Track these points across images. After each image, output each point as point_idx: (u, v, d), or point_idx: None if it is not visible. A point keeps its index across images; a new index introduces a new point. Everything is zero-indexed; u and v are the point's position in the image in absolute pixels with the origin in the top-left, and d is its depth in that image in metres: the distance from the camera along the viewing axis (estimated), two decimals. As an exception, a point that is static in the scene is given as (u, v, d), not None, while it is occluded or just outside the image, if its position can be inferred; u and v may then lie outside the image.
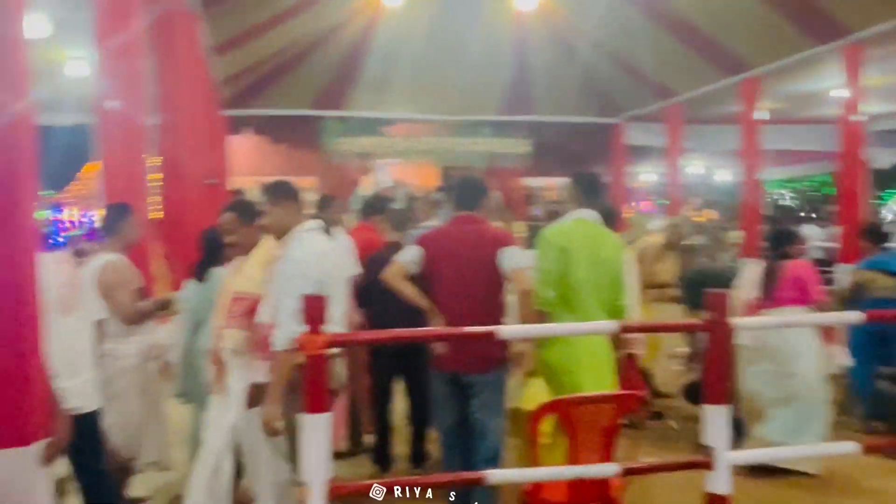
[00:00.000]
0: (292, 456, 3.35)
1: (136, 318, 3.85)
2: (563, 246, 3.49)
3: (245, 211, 3.63)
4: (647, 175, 20.88)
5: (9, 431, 2.26)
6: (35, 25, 6.55)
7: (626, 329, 3.30)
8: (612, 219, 4.09)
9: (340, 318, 3.33)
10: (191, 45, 7.57)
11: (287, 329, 3.07)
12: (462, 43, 13.72)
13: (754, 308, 4.83)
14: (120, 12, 4.87)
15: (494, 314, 3.46)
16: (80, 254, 5.34)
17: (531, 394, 3.57)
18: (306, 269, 3.14)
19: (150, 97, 5.88)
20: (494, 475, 2.68)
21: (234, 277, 3.54)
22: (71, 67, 10.00)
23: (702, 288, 2.63)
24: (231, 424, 3.42)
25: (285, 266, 3.18)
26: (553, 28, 13.61)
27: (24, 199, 2.38)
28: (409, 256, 3.67)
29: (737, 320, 2.63)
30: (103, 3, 4.83)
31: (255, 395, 3.34)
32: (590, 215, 3.65)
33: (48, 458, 2.48)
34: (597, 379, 3.45)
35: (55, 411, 2.54)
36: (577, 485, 2.85)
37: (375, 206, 5.55)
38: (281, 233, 3.31)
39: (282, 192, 3.35)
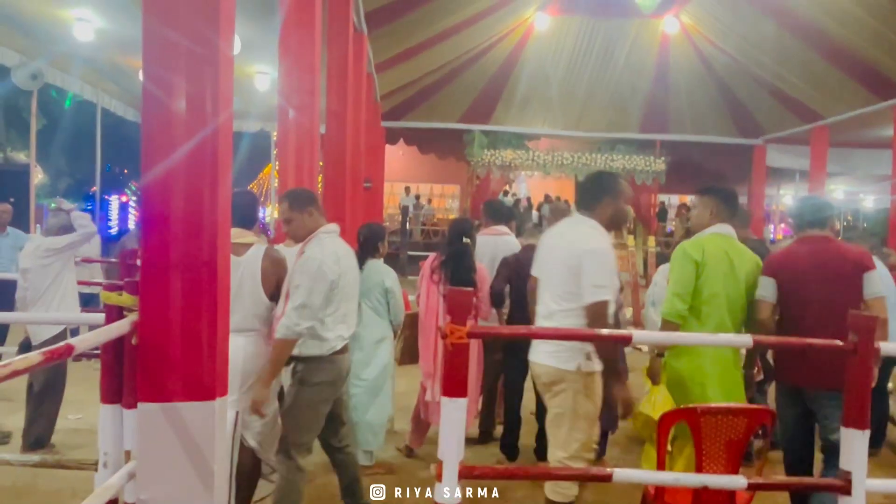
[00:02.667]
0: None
1: None
2: (699, 260, 3.34)
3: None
4: (787, 198, 19.51)
5: (198, 387, 2.49)
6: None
7: (761, 344, 3.10)
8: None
9: (352, 315, 3.37)
10: (358, 62, 7.95)
11: (290, 320, 3.04)
12: (606, 63, 13.52)
13: None
14: (301, 33, 5.21)
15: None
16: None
17: (654, 401, 3.45)
18: (323, 268, 3.11)
19: (322, 108, 6.23)
20: (620, 474, 2.62)
21: None
22: (257, 81, 10.79)
23: None
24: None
25: (304, 264, 3.15)
26: (696, 50, 13.09)
27: (222, 194, 2.61)
28: (769, 291, 3.35)
29: (882, 344, 2.42)
30: (287, 23, 5.18)
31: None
32: (727, 230, 3.48)
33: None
34: (725, 393, 3.29)
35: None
36: (701, 494, 2.73)
37: (508, 213, 5.62)
38: (302, 236, 3.29)
39: (301, 200, 3.32)
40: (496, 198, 16.41)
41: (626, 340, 2.32)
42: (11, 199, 10.22)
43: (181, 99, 2.51)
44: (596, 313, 2.87)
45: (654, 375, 3.47)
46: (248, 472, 3.36)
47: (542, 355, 3.02)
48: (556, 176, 16.76)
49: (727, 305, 3.33)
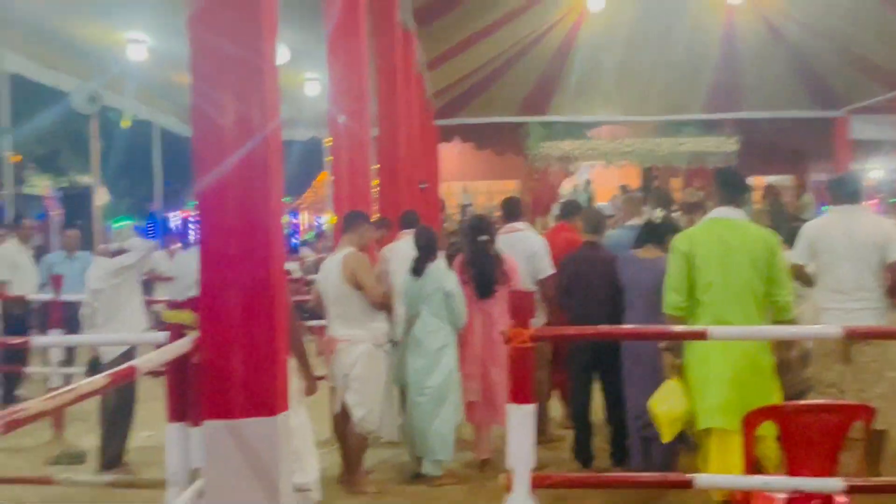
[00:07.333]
0: None
1: (384, 302, 4.19)
2: (686, 250, 3.37)
3: None
4: (875, 172, 18.56)
5: (260, 403, 2.54)
6: (279, 53, 7.27)
7: (851, 334, 2.97)
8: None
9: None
10: (407, 62, 8.01)
11: None
12: (666, 42, 13.15)
13: None
14: (349, 37, 5.28)
15: None
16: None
17: (661, 395, 3.40)
18: None
19: (373, 111, 6.30)
20: (702, 480, 2.54)
21: None
22: (307, 88, 11.00)
23: None
24: None
25: None
26: (765, 19, 12.60)
27: (274, 205, 2.66)
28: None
29: None
30: (334, 29, 5.26)
31: None
32: (728, 213, 3.43)
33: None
34: (739, 388, 3.19)
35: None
36: (795, 499, 2.62)
37: (573, 208, 5.59)
38: None
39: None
40: (513, 196, 16.25)
41: (701, 336, 2.25)
42: (78, 222, 10.73)
43: (229, 112, 2.57)
44: None
45: (666, 370, 3.53)
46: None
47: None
48: (620, 164, 16.40)
49: (728, 293, 3.29)
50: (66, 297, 5.50)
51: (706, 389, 3.26)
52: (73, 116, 12.08)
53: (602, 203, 15.48)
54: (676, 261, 3.42)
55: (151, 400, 4.68)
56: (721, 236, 3.37)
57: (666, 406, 3.37)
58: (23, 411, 1.72)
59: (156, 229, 13.85)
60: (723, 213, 3.46)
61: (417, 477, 4.36)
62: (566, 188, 17.67)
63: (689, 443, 3.96)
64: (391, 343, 4.35)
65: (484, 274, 4.41)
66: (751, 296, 3.32)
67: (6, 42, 8.64)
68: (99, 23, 8.70)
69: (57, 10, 8.12)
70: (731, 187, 3.54)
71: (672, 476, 2.69)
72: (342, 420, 4.23)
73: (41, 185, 14.52)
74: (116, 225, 6.85)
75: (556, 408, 5.27)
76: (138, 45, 9.05)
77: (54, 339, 4.95)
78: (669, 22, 12.71)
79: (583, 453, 4.47)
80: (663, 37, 13.06)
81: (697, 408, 3.30)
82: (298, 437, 3.23)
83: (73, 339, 5.07)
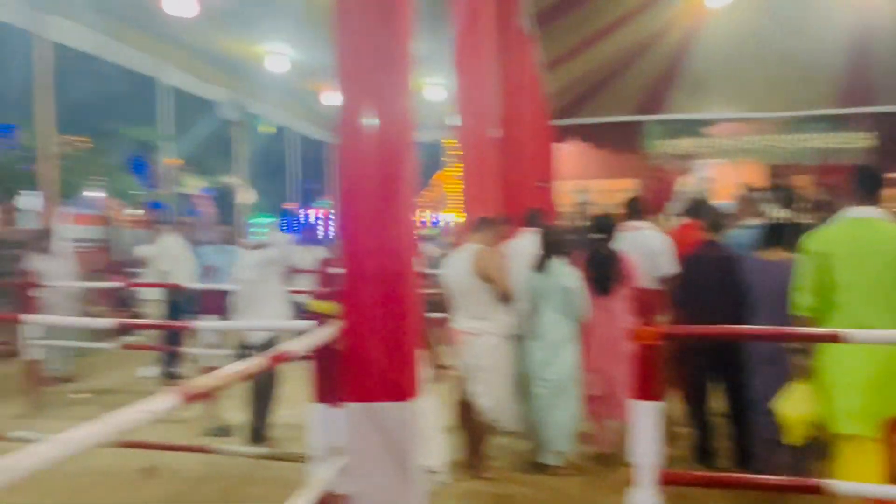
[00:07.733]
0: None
1: (511, 297, 4.26)
2: (817, 249, 3.18)
3: None
4: None
5: (396, 389, 2.65)
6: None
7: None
8: None
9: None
10: (527, 64, 8.00)
11: None
12: (791, 34, 12.36)
13: None
14: (476, 43, 5.35)
15: None
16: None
17: (793, 399, 3.18)
18: None
19: (495, 113, 6.36)
20: (835, 486, 2.41)
21: None
22: (427, 92, 11.25)
23: None
24: None
25: None
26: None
27: (407, 204, 2.77)
28: None
29: None
30: (461, 36, 5.34)
31: None
32: (865, 213, 3.19)
33: None
34: (873, 390, 2.96)
35: None
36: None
37: (701, 206, 5.45)
38: None
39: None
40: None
41: (832, 338, 2.13)
42: (223, 218, 11.51)
43: (369, 117, 2.70)
44: None
45: (794, 372, 3.32)
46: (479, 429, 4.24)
47: None
48: (741, 162, 15.57)
49: (864, 295, 3.08)
50: (219, 286, 5.94)
51: (840, 393, 3.07)
52: (219, 122, 12.96)
53: (724, 202, 14.74)
54: (808, 261, 3.24)
55: (289, 381, 4.96)
56: (858, 236, 3.17)
57: (794, 409, 3.22)
58: (197, 386, 1.89)
59: (296, 226, 14.59)
60: (860, 212, 3.24)
61: (536, 466, 4.39)
62: (681, 186, 16.98)
63: (816, 447, 3.74)
64: (514, 336, 4.40)
65: (600, 271, 4.44)
66: (888, 298, 3.10)
67: (170, 58, 9.42)
68: (243, 37, 9.30)
69: (207, 27, 8.75)
70: (869, 185, 3.30)
71: (802, 481, 2.56)
72: (466, 408, 4.32)
73: (192, 185, 15.67)
74: (256, 221, 7.29)
75: (674, 405, 5.12)
76: (279, 56, 9.58)
77: (209, 323, 5.35)
78: (794, 15, 11.96)
79: (702, 453, 4.35)
80: (788, 29, 12.29)
81: (830, 412, 3.12)
82: (426, 423, 3.34)
83: (226, 324, 5.45)
